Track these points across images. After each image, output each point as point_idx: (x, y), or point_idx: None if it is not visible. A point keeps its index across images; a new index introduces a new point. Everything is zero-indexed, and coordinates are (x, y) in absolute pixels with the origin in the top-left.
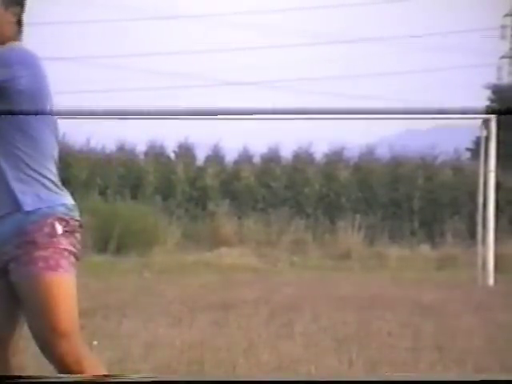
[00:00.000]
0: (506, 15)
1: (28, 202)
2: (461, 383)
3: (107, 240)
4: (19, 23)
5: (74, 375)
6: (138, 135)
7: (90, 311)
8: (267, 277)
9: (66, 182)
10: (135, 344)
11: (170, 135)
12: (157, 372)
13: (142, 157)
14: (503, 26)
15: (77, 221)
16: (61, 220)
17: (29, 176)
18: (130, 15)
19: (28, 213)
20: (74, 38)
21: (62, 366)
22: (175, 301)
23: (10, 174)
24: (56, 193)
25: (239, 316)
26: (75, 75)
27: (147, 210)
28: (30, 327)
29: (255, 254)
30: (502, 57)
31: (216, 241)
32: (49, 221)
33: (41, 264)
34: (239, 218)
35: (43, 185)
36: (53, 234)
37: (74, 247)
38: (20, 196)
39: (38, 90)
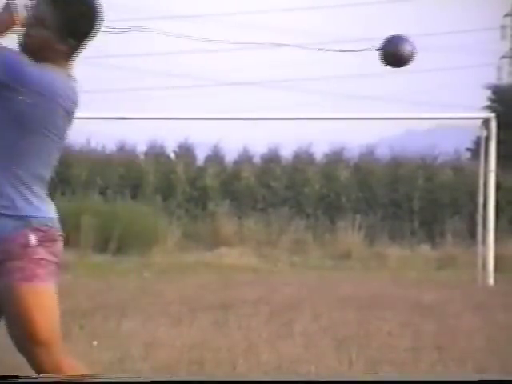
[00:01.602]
0: (506, 15)
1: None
2: (461, 383)
3: (107, 240)
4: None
5: (73, 375)
6: (138, 135)
7: (90, 311)
8: (267, 277)
9: (66, 182)
10: (135, 344)
11: (169, 135)
12: (157, 372)
13: (142, 157)
14: (503, 26)
15: (56, 231)
16: (36, 230)
17: (10, 183)
18: (129, 15)
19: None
20: None
21: (43, 373)
22: (175, 301)
23: None
24: (32, 204)
25: (239, 316)
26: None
27: (147, 210)
28: (10, 335)
29: (255, 254)
30: (502, 57)
31: (216, 241)
32: (23, 232)
33: (17, 275)
34: (239, 218)
35: (22, 195)
36: (26, 244)
37: (53, 256)
38: None
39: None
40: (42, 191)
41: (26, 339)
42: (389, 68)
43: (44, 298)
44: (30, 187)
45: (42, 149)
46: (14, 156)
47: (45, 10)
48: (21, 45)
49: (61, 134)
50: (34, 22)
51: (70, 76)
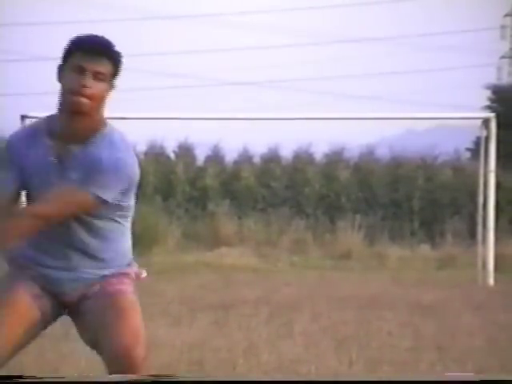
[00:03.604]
0: (506, 15)
1: None
2: (461, 383)
3: None
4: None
5: (73, 375)
6: (138, 135)
7: None
8: (267, 277)
9: None
10: None
11: (169, 135)
12: (157, 372)
13: (142, 157)
14: (503, 26)
15: None
16: None
17: None
18: (129, 15)
19: None
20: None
21: None
22: (175, 301)
23: None
24: None
25: (239, 316)
26: None
27: (147, 209)
28: None
29: (255, 254)
30: (502, 57)
31: (216, 241)
32: None
33: None
34: (239, 218)
35: None
36: None
37: None
38: None
39: None
40: None
41: None
42: (388, 69)
43: None
44: None
45: None
46: None
47: (96, 65)
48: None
49: None
50: (88, 80)
51: None
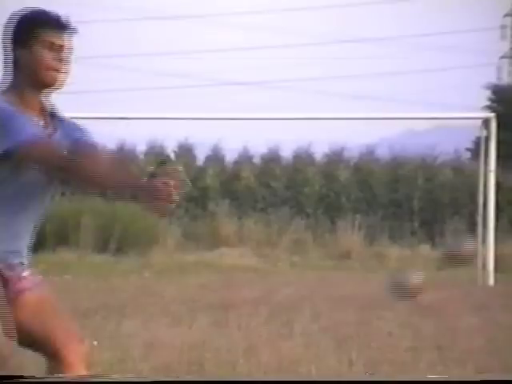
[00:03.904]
0: (506, 15)
1: None
2: (461, 383)
3: (107, 240)
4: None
5: (73, 375)
6: (138, 135)
7: (90, 311)
8: (267, 277)
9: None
10: (135, 344)
11: (169, 135)
12: (157, 372)
13: (141, 157)
14: (503, 26)
15: None
16: None
17: None
18: (130, 15)
19: None
20: (75, 38)
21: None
22: (175, 301)
23: None
24: None
25: (239, 316)
26: (75, 75)
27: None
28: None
29: (255, 254)
30: (502, 57)
31: (216, 241)
32: None
33: None
34: (239, 218)
35: None
36: None
37: None
38: None
39: None
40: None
41: None
42: (388, 69)
43: None
44: None
45: None
46: None
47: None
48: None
49: None
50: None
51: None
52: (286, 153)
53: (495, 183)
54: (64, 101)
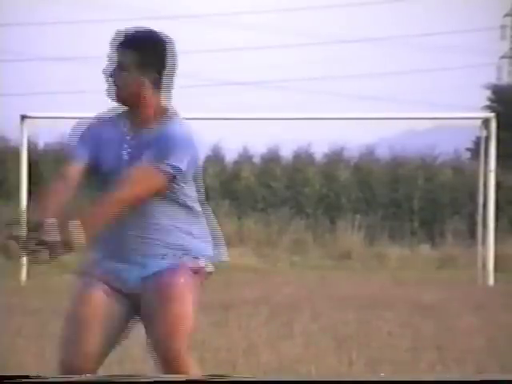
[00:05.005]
0: (506, 15)
1: None
2: (461, 383)
3: None
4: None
5: (73, 375)
6: None
7: None
8: (267, 277)
9: None
10: (135, 344)
11: None
12: (157, 372)
13: None
14: (503, 26)
15: None
16: None
17: None
18: (130, 15)
19: None
20: (75, 37)
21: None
22: None
23: None
24: None
25: (239, 316)
26: (75, 75)
27: None
28: None
29: (255, 254)
30: (502, 57)
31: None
32: None
33: None
34: (239, 218)
35: None
36: None
37: None
38: None
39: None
40: None
41: None
42: (388, 69)
43: None
44: None
45: None
46: None
47: (122, 57)
48: (114, 98)
49: None
50: (117, 72)
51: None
52: (286, 153)
53: (495, 183)
54: (65, 101)
